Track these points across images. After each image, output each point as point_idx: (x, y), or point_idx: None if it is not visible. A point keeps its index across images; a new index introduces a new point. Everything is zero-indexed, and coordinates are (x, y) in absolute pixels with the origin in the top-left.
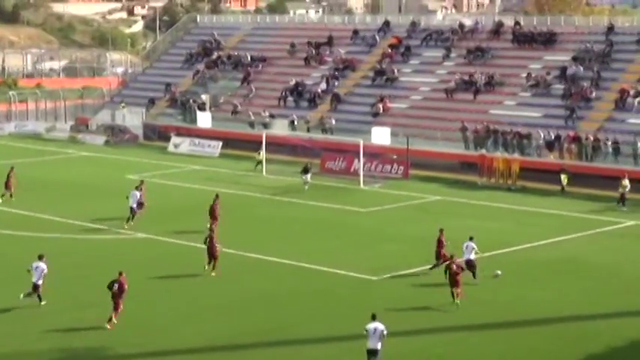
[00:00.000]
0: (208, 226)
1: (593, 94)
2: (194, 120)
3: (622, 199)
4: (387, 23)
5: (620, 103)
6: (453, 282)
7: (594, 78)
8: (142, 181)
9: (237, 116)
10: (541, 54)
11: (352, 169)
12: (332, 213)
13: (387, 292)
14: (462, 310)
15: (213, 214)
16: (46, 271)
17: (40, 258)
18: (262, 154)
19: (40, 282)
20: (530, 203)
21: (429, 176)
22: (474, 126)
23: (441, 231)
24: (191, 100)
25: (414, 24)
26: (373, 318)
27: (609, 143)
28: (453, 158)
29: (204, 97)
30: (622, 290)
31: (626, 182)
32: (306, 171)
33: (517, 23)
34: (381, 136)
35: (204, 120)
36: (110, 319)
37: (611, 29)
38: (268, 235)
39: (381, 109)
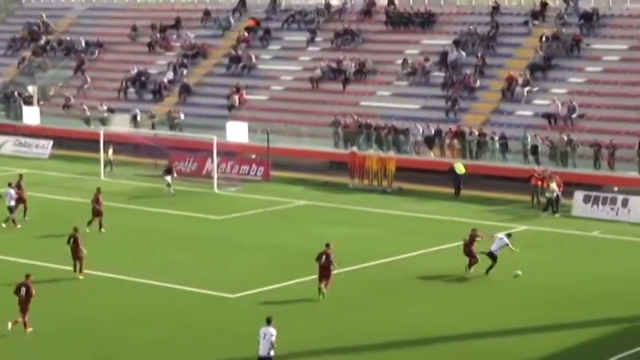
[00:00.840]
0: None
1: (478, 83)
2: (19, 116)
3: (550, 205)
4: (242, 3)
5: (508, 93)
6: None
7: (478, 65)
8: (20, 175)
9: (69, 111)
10: (418, 38)
11: (205, 171)
12: (182, 221)
13: (245, 312)
14: (328, 330)
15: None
16: None
17: None
18: (110, 153)
19: None
20: (408, 207)
21: (293, 178)
22: (344, 120)
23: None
24: (16, 93)
25: (273, 3)
26: (268, 322)
27: (496, 138)
28: (320, 157)
29: (31, 89)
30: (512, 304)
31: (553, 186)
32: (168, 172)
33: (391, 2)
34: (237, 132)
35: (31, 116)
36: (25, 324)
37: (496, 9)
38: (108, 248)
39: (237, 101)
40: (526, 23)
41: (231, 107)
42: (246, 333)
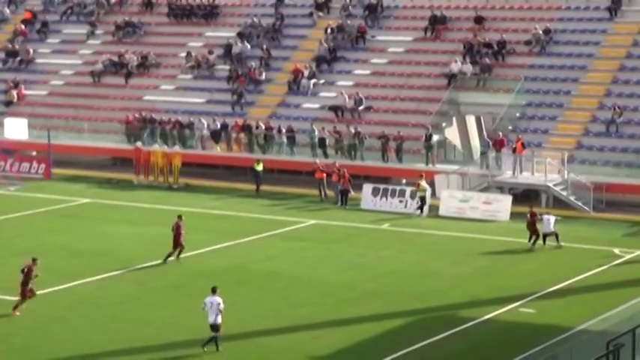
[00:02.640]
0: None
1: (263, 76)
2: None
3: (422, 205)
4: None
5: (294, 86)
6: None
7: (263, 57)
8: None
9: None
10: (202, 30)
11: None
12: None
13: (27, 315)
14: (115, 335)
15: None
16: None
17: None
18: None
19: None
20: (196, 204)
21: (75, 175)
22: (127, 115)
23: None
24: None
25: None
26: (213, 291)
27: (283, 132)
28: (103, 153)
29: None
30: (298, 301)
31: (424, 185)
32: None
33: None
34: (16, 128)
35: None
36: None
37: (280, 1)
38: None
39: (15, 96)
40: (311, 15)
41: (8, 103)
42: (33, 335)
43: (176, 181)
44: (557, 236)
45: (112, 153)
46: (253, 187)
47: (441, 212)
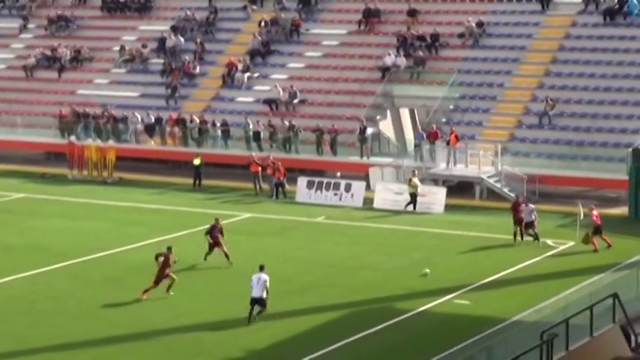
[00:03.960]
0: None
1: (197, 70)
2: None
3: (413, 201)
4: None
5: (228, 79)
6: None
7: (197, 51)
8: None
9: None
10: (135, 23)
11: None
12: None
13: None
14: (47, 328)
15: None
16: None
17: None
18: None
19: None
20: (130, 198)
21: (9, 170)
22: (60, 109)
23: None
24: None
25: None
26: (261, 269)
27: (218, 125)
28: (37, 148)
29: None
30: (235, 295)
31: (416, 181)
32: None
33: None
34: None
35: None
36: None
37: None
38: None
39: None
40: (245, 8)
41: None
42: None
43: (110, 176)
44: (535, 233)
45: (45, 148)
46: (188, 180)
47: (376, 205)
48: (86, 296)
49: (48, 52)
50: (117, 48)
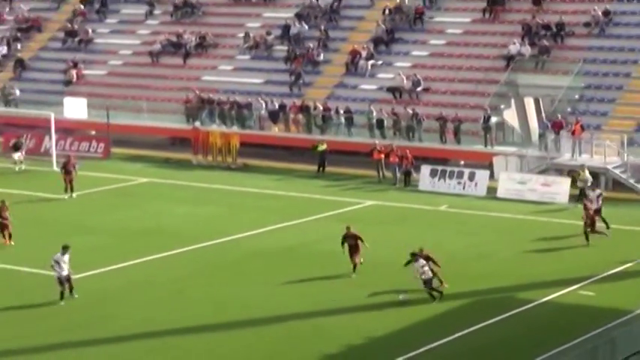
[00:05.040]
0: None
1: (321, 57)
2: None
3: (582, 195)
4: None
5: (352, 67)
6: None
7: (321, 38)
8: None
9: None
10: (260, 10)
11: (43, 149)
12: (20, 201)
13: (86, 293)
14: (170, 314)
15: None
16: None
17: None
18: None
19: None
20: (253, 184)
21: (133, 155)
22: (185, 95)
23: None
24: None
25: None
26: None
27: (341, 112)
28: (161, 133)
29: None
30: (353, 282)
31: (586, 175)
32: (17, 148)
33: None
34: (75, 108)
35: None
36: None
37: None
38: None
39: (75, 76)
40: None
41: (68, 82)
42: (90, 313)
43: (234, 161)
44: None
45: (170, 133)
46: (311, 167)
47: (499, 194)
48: (207, 281)
49: (173, 39)
50: (241, 35)
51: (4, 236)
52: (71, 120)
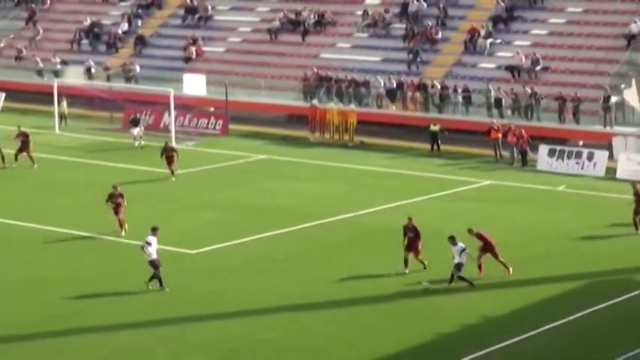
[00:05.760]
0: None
1: (440, 35)
2: None
3: None
4: None
5: (470, 45)
6: None
7: (440, 16)
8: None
9: (22, 63)
10: None
11: (162, 125)
12: (139, 176)
13: (204, 268)
14: (287, 290)
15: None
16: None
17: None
18: (64, 106)
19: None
20: (370, 162)
21: (251, 132)
22: (303, 73)
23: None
24: None
25: None
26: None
27: (459, 91)
28: (279, 110)
29: None
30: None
31: None
32: (135, 123)
33: None
34: (194, 85)
35: None
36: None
37: None
38: (62, 204)
39: (194, 53)
40: None
41: (187, 59)
42: (208, 288)
43: (351, 139)
44: None
45: (288, 110)
46: (428, 146)
47: (619, 175)
48: (323, 258)
49: (292, 16)
50: (360, 12)
51: (120, 224)
52: (190, 96)
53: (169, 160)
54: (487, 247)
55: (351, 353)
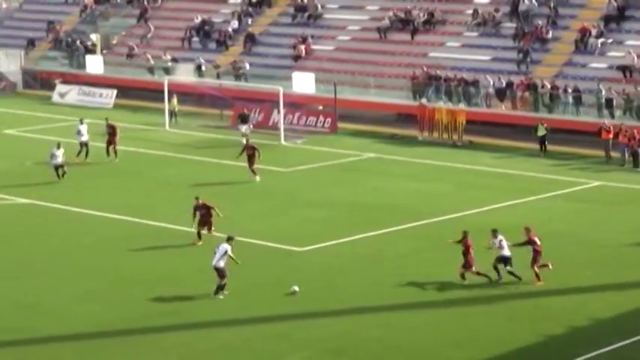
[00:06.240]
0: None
1: (550, 34)
2: (82, 65)
3: None
4: None
5: (581, 45)
6: None
7: (551, 15)
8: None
9: (133, 60)
10: None
11: (271, 122)
12: (247, 173)
13: (313, 265)
14: (396, 289)
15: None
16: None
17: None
18: (174, 103)
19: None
20: (478, 161)
21: (360, 130)
22: (412, 71)
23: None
24: (78, 42)
25: None
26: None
27: (569, 91)
28: (388, 109)
29: (93, 37)
30: (578, 264)
31: None
32: (243, 120)
33: None
34: (303, 83)
35: (94, 65)
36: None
37: None
38: (172, 200)
39: (304, 51)
40: None
41: (297, 57)
42: (315, 286)
43: (460, 139)
44: None
45: (396, 109)
46: (537, 146)
47: None
48: (431, 258)
49: (401, 15)
50: (469, 11)
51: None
52: (299, 94)
53: (250, 159)
54: (535, 252)
55: (458, 354)
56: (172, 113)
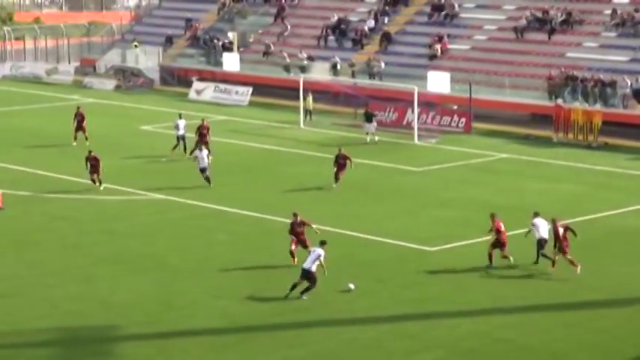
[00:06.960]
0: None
1: None
2: (219, 62)
3: None
4: None
5: None
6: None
7: None
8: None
9: (269, 58)
10: None
11: (405, 121)
12: (379, 172)
13: (444, 265)
14: (531, 288)
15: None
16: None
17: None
18: (309, 101)
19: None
20: (615, 163)
21: (494, 130)
22: (549, 72)
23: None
24: (215, 39)
25: None
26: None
27: None
28: (523, 109)
29: (230, 35)
30: None
31: None
32: (368, 118)
33: None
34: (438, 82)
35: (230, 62)
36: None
37: None
38: (305, 198)
39: (439, 50)
40: None
41: (432, 57)
42: (446, 286)
43: (595, 140)
44: None
45: (531, 109)
46: None
47: None
48: (562, 258)
49: (539, 14)
50: (608, 12)
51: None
52: (434, 94)
53: (340, 167)
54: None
55: (590, 358)
56: (307, 111)
